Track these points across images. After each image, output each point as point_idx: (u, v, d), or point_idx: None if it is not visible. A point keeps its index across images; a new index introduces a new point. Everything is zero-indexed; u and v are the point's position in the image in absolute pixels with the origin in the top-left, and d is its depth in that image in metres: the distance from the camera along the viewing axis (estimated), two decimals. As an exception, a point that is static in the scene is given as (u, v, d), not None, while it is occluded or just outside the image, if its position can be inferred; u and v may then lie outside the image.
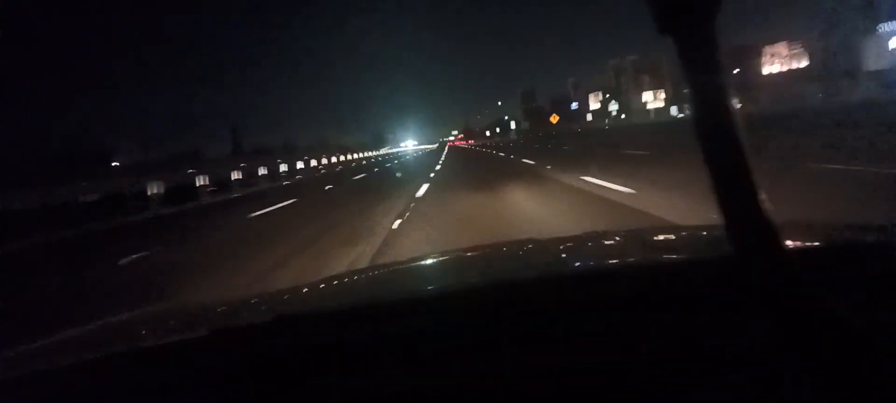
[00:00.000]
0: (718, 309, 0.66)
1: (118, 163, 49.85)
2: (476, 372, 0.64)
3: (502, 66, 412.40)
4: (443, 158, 30.94)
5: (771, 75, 71.17)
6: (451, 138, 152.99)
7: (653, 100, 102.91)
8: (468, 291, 0.86)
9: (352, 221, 7.81)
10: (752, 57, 72.08)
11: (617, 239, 1.27)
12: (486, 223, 6.38)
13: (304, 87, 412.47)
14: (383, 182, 17.29)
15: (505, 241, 1.59)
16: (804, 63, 68.02)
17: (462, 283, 1.01)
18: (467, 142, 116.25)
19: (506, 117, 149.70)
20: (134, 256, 6.96)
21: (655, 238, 1.31)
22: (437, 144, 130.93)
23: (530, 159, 18.69)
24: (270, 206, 11.95)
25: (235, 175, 28.26)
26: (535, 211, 7.02)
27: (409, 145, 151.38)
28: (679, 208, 5.41)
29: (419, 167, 25.00)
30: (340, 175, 27.15)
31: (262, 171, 32.16)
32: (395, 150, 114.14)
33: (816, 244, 0.97)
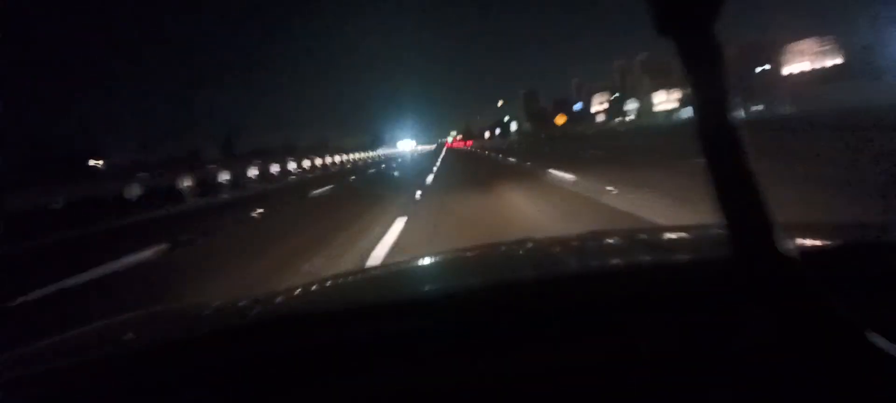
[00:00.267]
0: (718, 309, 0.66)
1: (100, 164, 47.86)
2: (476, 372, 0.64)
3: (503, 67, 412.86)
4: (439, 160, 29.11)
5: (796, 74, 68.06)
6: (450, 139, 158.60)
7: (665, 100, 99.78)
8: (468, 291, 0.86)
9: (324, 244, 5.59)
10: (771, 55, 69.21)
11: (616, 238, 1.26)
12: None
13: (304, 88, 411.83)
14: (371, 188, 15.39)
15: (504, 241, 1.49)
16: (834, 61, 65.11)
17: (461, 283, 1.01)
18: (466, 143, 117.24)
19: (506, 118, 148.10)
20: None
21: (655, 237, 1.28)
22: (434, 145, 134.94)
23: (563, 170, 14.57)
24: (247, 213, 10.43)
25: (224, 177, 26.99)
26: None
27: (408, 146, 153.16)
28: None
29: (417, 166, 24.20)
30: (332, 177, 25.13)
31: (253, 173, 31.10)
32: (392, 151, 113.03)
33: (816, 244, 0.96)
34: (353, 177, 22.86)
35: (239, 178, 27.44)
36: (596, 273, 0.92)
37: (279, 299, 0.99)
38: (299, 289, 1.08)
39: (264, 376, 0.64)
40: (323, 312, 0.84)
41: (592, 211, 6.04)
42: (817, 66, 66.18)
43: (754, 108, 61.88)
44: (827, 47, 66.81)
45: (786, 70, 69.03)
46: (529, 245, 1.31)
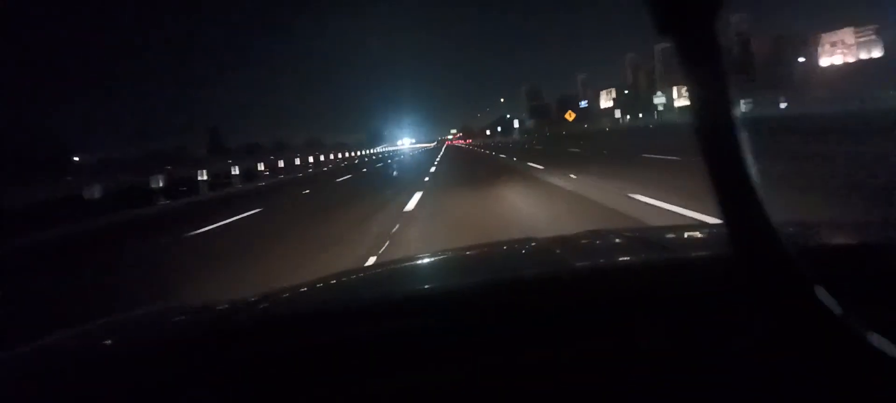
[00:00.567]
0: (718, 309, 0.66)
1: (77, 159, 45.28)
2: (476, 371, 0.64)
3: (505, 64, 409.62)
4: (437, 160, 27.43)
5: (832, 67, 63.94)
6: (450, 137, 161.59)
7: (678, 97, 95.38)
8: (469, 289, 0.86)
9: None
10: (802, 47, 64.82)
11: (616, 238, 1.26)
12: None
13: (304, 87, 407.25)
14: (367, 187, 14.90)
15: (504, 240, 1.52)
16: (875, 54, 61.00)
17: (462, 282, 1.01)
18: (465, 141, 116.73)
19: (508, 115, 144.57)
20: None
21: (655, 237, 1.25)
22: (434, 143, 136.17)
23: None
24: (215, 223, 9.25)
25: (202, 176, 26.12)
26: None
27: (406, 143, 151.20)
28: None
29: (415, 164, 25.20)
30: (322, 177, 23.76)
31: (235, 171, 30.71)
32: (391, 149, 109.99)
33: (816, 244, 0.96)
34: (365, 170, 25.41)
35: (221, 177, 27.39)
36: (596, 272, 0.91)
37: (279, 298, 0.98)
38: (300, 288, 1.06)
39: (264, 376, 0.64)
40: (324, 311, 0.84)
41: None
42: (850, 59, 62.17)
43: (781, 106, 57.87)
44: (865, 38, 62.79)
45: (824, 61, 64.76)
46: (531, 243, 1.29)
